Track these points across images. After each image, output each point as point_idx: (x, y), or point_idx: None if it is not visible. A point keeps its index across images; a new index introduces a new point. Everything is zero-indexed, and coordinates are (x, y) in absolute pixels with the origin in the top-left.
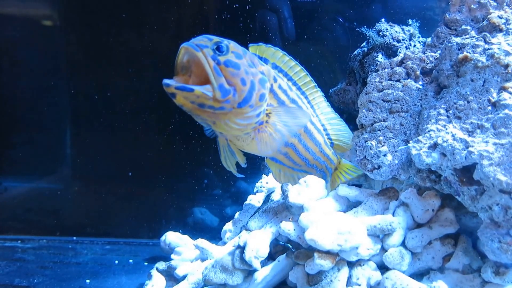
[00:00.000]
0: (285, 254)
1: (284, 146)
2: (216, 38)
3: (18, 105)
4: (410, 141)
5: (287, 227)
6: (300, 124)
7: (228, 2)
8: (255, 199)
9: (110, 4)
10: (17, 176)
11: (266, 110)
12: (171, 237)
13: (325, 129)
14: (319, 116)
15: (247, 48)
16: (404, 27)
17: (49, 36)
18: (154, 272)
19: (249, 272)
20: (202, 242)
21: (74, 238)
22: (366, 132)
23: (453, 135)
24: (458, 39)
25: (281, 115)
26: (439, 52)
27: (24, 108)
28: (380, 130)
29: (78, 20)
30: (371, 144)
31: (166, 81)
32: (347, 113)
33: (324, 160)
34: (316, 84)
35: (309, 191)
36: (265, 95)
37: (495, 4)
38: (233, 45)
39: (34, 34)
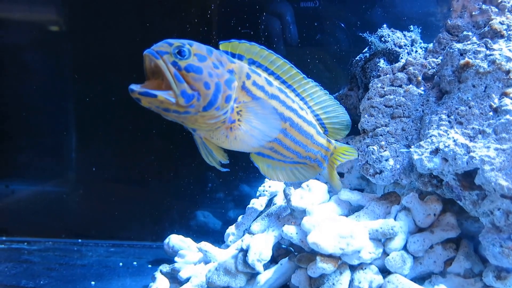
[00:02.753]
0: (287, 257)
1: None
2: (177, 42)
3: (24, 109)
4: (412, 146)
5: (290, 230)
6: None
7: (231, 8)
8: (257, 203)
9: (115, 9)
10: (23, 179)
11: (237, 107)
12: (175, 240)
13: (319, 119)
14: (312, 107)
15: (217, 46)
16: (405, 33)
17: (55, 41)
18: (158, 274)
19: (252, 275)
20: (206, 245)
21: (79, 240)
22: (368, 137)
23: (454, 140)
24: (459, 45)
25: (256, 110)
26: (440, 58)
27: (31, 112)
28: (382, 135)
29: (84, 26)
30: (373, 149)
31: (131, 86)
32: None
33: (318, 150)
34: (305, 76)
35: (311, 195)
36: (231, 96)
37: (496, 10)
38: (196, 47)
39: (41, 39)
